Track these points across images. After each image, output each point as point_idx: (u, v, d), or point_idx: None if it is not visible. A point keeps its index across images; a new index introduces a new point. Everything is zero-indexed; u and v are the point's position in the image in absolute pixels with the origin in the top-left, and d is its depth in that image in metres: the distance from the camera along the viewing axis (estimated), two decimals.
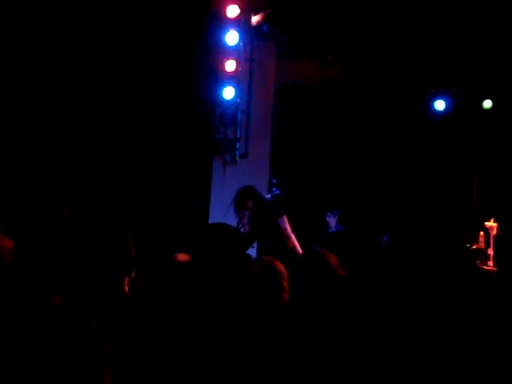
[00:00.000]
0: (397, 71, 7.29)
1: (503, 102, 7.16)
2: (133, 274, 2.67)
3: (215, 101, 7.00)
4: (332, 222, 7.04)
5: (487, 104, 7.18)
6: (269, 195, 6.79)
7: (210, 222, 7.01)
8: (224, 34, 6.75)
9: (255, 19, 6.87)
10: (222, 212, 6.85)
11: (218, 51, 6.80)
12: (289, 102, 7.69)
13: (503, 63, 6.89)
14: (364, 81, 7.39)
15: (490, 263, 6.13)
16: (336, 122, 7.67)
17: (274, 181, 6.87)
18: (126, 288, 2.62)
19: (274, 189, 6.75)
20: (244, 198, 5.65)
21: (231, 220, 5.75)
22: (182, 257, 3.34)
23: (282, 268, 3.37)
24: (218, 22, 6.77)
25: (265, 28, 6.85)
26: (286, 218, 5.45)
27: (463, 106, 7.36)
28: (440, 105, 7.37)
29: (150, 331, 2.23)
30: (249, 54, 7.04)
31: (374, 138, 7.35)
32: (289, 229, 5.41)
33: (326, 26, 6.84)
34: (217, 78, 6.87)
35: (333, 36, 7.01)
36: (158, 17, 6.79)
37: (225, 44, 6.78)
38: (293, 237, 5.36)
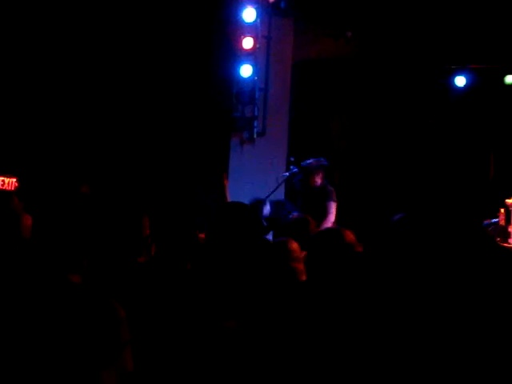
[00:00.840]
0: (416, 47, 7.16)
1: None
2: (152, 251, 2.71)
3: (232, 79, 6.97)
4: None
5: (510, 79, 7.03)
6: (287, 173, 6.78)
7: (228, 199, 7.03)
8: (241, 10, 6.69)
9: None
10: (239, 190, 6.87)
11: (235, 28, 6.75)
12: (307, 78, 7.61)
13: None
14: (383, 57, 7.28)
15: (511, 240, 6.07)
16: (354, 98, 7.59)
17: (292, 159, 6.85)
18: (144, 263, 2.65)
19: (291, 167, 6.74)
20: (314, 174, 5.76)
21: (248, 196, 5.77)
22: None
23: (294, 248, 3.34)
24: None
25: (282, 4, 6.77)
26: (334, 204, 5.64)
27: (484, 81, 7.22)
28: (460, 81, 7.23)
29: (169, 304, 2.26)
30: (266, 31, 6.97)
31: (392, 115, 7.26)
32: (332, 215, 5.58)
33: (343, 2, 6.73)
34: (234, 55, 6.82)
35: (350, 12, 6.89)
36: None
37: (242, 21, 6.72)
38: (330, 224, 5.49)
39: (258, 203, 5.69)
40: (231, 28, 6.77)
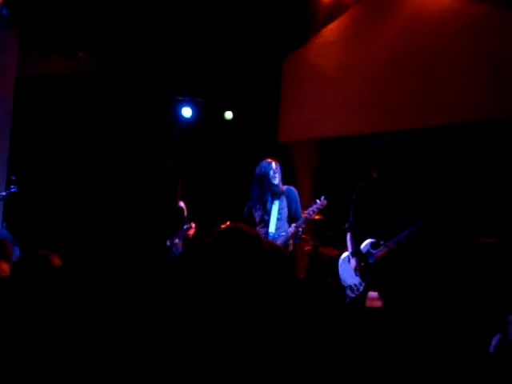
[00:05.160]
0: (146, 74, 7.40)
1: (243, 114, 7.78)
2: None
3: None
4: None
5: (228, 115, 7.70)
6: (4, 193, 6.31)
7: None
8: None
9: None
10: None
11: None
12: (35, 94, 7.23)
13: (243, 78, 7.51)
14: (115, 80, 7.33)
15: None
16: (84, 118, 7.45)
17: (13, 177, 6.40)
18: None
19: (11, 186, 6.30)
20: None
21: None
22: None
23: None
24: None
25: (4, 12, 6.32)
26: None
27: (208, 114, 7.79)
28: (187, 112, 7.66)
29: None
30: None
31: (121, 139, 7.30)
32: None
33: (73, 22, 6.61)
34: None
35: (82, 32, 6.81)
36: None
37: None
38: None
39: None
40: None
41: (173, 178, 1.67)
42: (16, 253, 5.24)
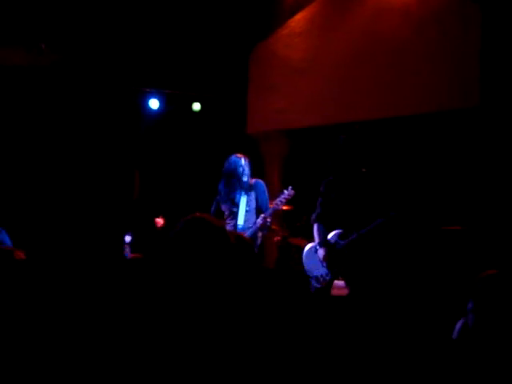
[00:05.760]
0: (112, 67, 7.30)
1: (211, 106, 7.74)
2: None
3: None
4: None
5: (196, 106, 7.65)
6: None
7: None
8: None
9: None
10: None
11: None
12: None
13: (210, 70, 7.46)
14: (79, 71, 7.21)
15: None
16: (46, 111, 7.30)
17: None
18: None
19: None
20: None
21: None
22: None
23: None
24: None
25: None
26: None
27: (176, 106, 7.72)
28: (154, 103, 7.58)
29: None
30: None
31: (86, 132, 7.20)
32: None
33: (35, 13, 6.47)
34: None
35: (44, 23, 6.67)
36: None
37: None
38: None
39: None
40: None
41: (130, 170, 1.66)
42: None
